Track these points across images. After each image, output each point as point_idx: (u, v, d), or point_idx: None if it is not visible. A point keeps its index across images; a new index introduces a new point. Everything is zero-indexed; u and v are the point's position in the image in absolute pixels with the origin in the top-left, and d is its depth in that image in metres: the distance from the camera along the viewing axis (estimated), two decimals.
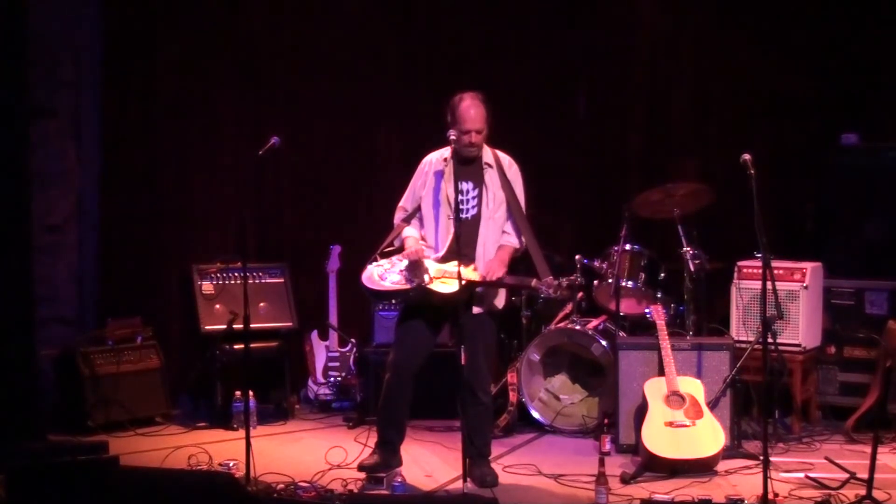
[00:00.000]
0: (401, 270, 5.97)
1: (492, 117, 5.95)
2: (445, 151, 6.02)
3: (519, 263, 6.14)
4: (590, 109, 8.27)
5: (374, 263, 6.02)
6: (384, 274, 5.98)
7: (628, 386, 6.63)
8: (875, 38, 7.67)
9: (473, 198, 5.97)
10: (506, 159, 6.08)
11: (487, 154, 6.03)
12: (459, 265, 5.71)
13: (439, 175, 6.01)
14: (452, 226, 5.87)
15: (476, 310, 5.94)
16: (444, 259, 5.93)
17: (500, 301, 6.08)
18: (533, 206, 6.70)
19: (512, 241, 6.01)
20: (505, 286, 6.03)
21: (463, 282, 5.70)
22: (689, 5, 8.04)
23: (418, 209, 6.08)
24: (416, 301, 5.97)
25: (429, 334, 6.03)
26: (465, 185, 5.95)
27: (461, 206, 5.93)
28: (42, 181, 7.19)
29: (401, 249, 6.04)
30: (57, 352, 7.21)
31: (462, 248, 5.83)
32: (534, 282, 5.86)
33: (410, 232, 6.07)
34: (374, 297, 6.22)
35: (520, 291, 7.06)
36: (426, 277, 5.86)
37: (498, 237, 6.00)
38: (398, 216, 6.14)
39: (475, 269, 5.88)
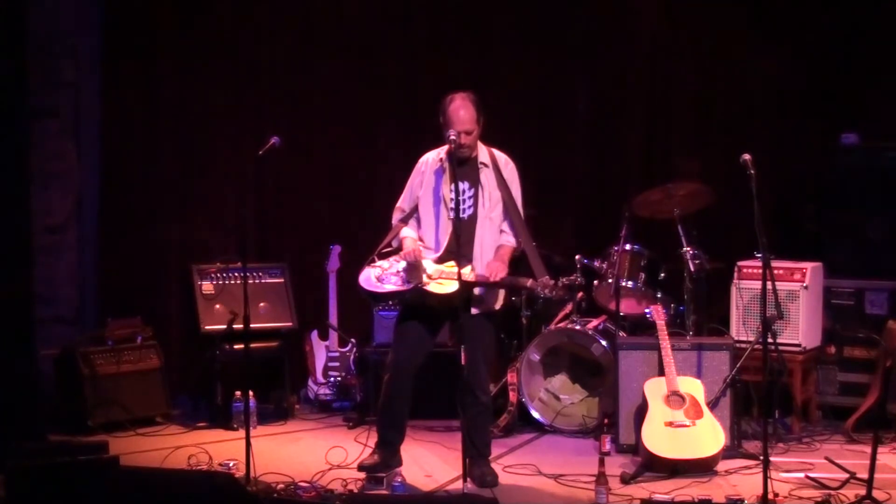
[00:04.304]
0: (398, 271, 5.96)
1: (484, 116, 5.93)
2: (441, 151, 6.02)
3: (516, 263, 6.12)
4: (590, 109, 8.27)
5: (372, 265, 6.01)
6: (382, 276, 5.96)
7: (628, 386, 6.62)
8: (875, 37, 7.67)
9: (470, 197, 5.95)
10: (502, 158, 6.07)
11: (483, 153, 6.02)
12: (459, 266, 5.70)
13: (436, 174, 6.00)
14: (450, 225, 5.87)
15: (473, 311, 5.92)
16: (442, 259, 5.92)
17: (497, 302, 6.07)
18: (533, 206, 6.71)
19: (510, 240, 6.00)
20: (501, 286, 6.01)
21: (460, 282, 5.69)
22: (690, 5, 8.03)
23: (416, 209, 6.08)
24: (414, 302, 5.96)
25: (427, 335, 6.03)
26: (462, 185, 5.92)
27: (458, 206, 5.91)
28: (42, 181, 7.19)
29: (398, 250, 6.03)
30: (57, 352, 7.20)
31: (460, 248, 5.82)
32: (529, 282, 5.85)
33: (408, 232, 6.06)
34: (371, 300, 6.21)
35: (519, 291, 7.06)
36: (423, 278, 5.86)
37: (495, 236, 5.99)
38: (396, 216, 6.13)
39: (472, 270, 5.86)
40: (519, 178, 6.08)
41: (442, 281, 5.85)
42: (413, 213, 6.08)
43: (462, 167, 5.92)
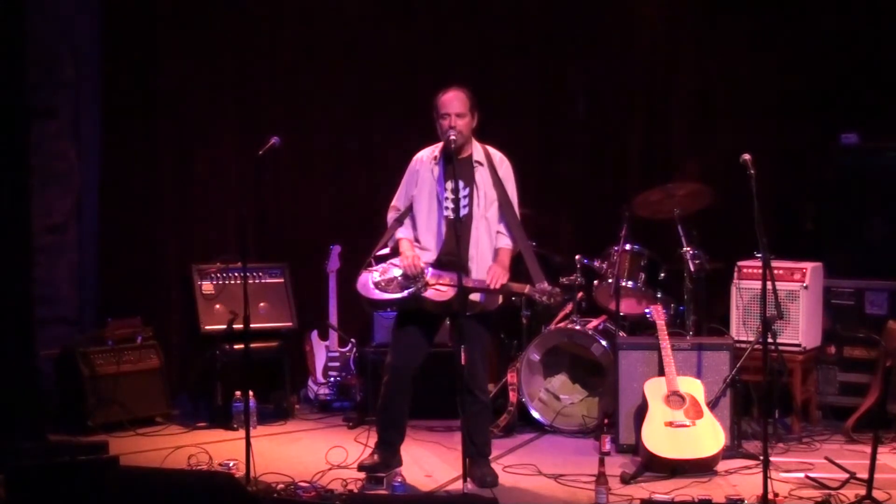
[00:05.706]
0: (394, 277, 5.91)
1: (478, 111, 5.91)
2: (436, 149, 5.99)
3: (514, 266, 6.09)
4: (589, 109, 8.27)
5: (369, 270, 5.98)
6: (379, 282, 5.92)
7: (628, 386, 6.62)
8: (875, 38, 7.67)
9: (465, 196, 5.90)
10: (497, 156, 6.01)
11: (478, 151, 5.97)
12: (458, 269, 5.68)
13: (430, 173, 5.97)
14: (447, 225, 5.85)
15: (468, 312, 5.88)
16: (439, 259, 5.90)
17: (492, 305, 6.02)
18: (533, 206, 6.71)
19: (508, 242, 5.94)
20: (499, 293, 5.96)
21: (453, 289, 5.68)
22: (689, 5, 8.04)
23: (410, 208, 6.03)
24: (411, 307, 5.93)
25: (424, 338, 6.00)
26: (457, 184, 5.90)
27: (453, 206, 5.88)
28: (42, 181, 7.19)
29: (395, 252, 6.00)
30: (57, 352, 7.20)
31: (459, 249, 5.78)
32: (527, 289, 5.80)
33: (404, 234, 6.02)
34: (370, 307, 6.16)
35: (518, 296, 7.04)
36: (422, 285, 5.83)
37: (491, 237, 5.94)
38: (390, 215, 6.09)
39: (469, 275, 5.83)
40: (514, 176, 6.03)
41: (440, 287, 5.83)
42: (408, 213, 6.04)
43: (457, 165, 5.86)
